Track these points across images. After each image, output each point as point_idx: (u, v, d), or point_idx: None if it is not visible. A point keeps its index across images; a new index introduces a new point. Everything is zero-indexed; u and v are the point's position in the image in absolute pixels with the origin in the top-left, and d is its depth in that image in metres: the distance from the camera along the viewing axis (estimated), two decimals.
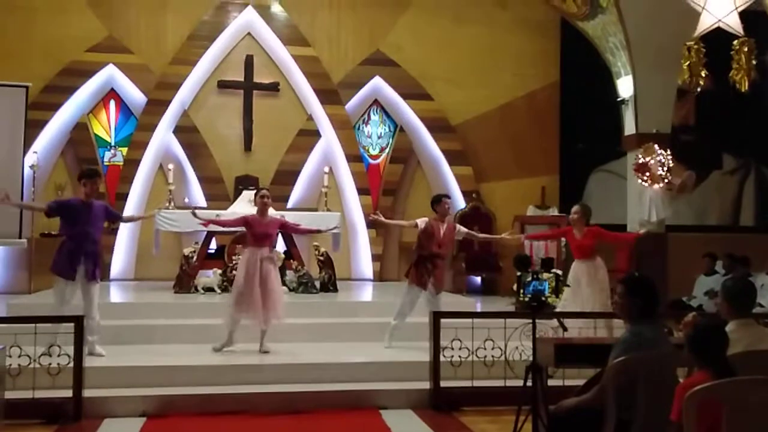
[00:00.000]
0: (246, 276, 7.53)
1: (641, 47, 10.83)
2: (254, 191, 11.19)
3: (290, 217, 10.35)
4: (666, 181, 10.75)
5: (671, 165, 10.80)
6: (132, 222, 9.50)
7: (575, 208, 8.39)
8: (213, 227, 9.41)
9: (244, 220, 7.89)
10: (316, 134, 12.84)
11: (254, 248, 7.66)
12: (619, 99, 11.40)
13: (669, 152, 10.81)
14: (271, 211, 8.54)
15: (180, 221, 9.94)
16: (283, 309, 7.69)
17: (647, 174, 10.71)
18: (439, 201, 8.05)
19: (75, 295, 7.16)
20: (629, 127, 11.33)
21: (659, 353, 4.05)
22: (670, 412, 3.47)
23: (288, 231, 8.70)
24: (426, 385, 6.86)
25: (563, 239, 10.14)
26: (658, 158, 10.70)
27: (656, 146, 10.77)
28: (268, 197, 7.89)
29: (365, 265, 12.73)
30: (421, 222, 8.05)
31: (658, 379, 3.92)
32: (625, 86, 11.25)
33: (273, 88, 12.74)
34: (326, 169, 11.77)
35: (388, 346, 7.81)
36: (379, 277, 12.63)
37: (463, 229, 8.28)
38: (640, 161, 10.77)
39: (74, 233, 7.19)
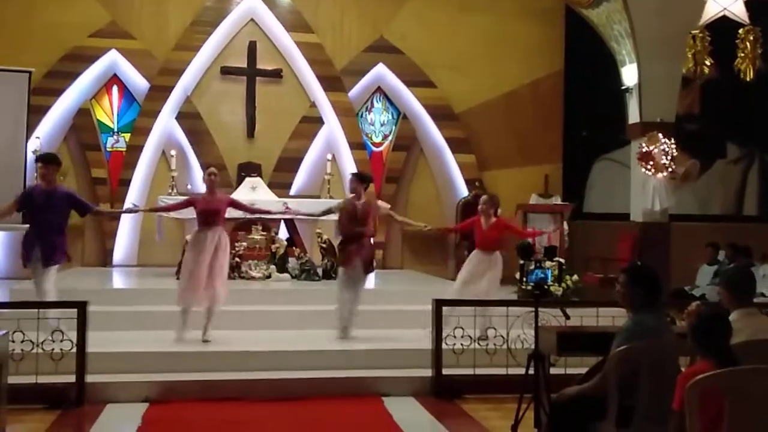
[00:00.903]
0: (196, 258, 7.35)
1: (646, 35, 10.79)
2: (256, 177, 11.28)
3: (292, 204, 10.39)
4: (670, 170, 10.72)
5: (675, 154, 10.77)
6: (104, 214, 8.88)
7: (484, 198, 8.24)
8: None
9: (189, 201, 7.81)
10: (319, 121, 12.82)
11: (202, 228, 7.48)
12: (623, 87, 11.36)
13: (673, 141, 10.78)
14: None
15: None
16: (223, 294, 7.45)
17: (651, 163, 10.69)
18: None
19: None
20: (633, 116, 11.30)
21: (661, 342, 4.05)
22: (672, 401, 3.46)
23: (238, 209, 8.44)
24: (428, 372, 6.87)
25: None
26: (662, 147, 10.68)
27: (660, 135, 10.74)
28: (215, 174, 7.70)
29: None
30: (335, 205, 8.04)
31: (661, 368, 3.92)
32: (629, 74, 11.21)
33: (276, 74, 12.71)
34: (329, 156, 11.75)
35: (343, 337, 7.66)
36: (382, 264, 12.62)
37: (385, 207, 8.10)
38: (644, 150, 10.75)
39: (33, 220, 7.16)
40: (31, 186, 7.40)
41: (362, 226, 7.77)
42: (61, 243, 7.24)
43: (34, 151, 11.12)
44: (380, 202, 8.09)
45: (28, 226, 7.33)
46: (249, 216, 9.30)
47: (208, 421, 5.95)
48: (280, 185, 11.98)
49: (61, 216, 7.25)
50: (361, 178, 7.99)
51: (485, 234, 7.98)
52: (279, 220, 10.74)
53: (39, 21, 11.82)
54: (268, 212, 8.85)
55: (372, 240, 7.94)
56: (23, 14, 11.79)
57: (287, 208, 8.95)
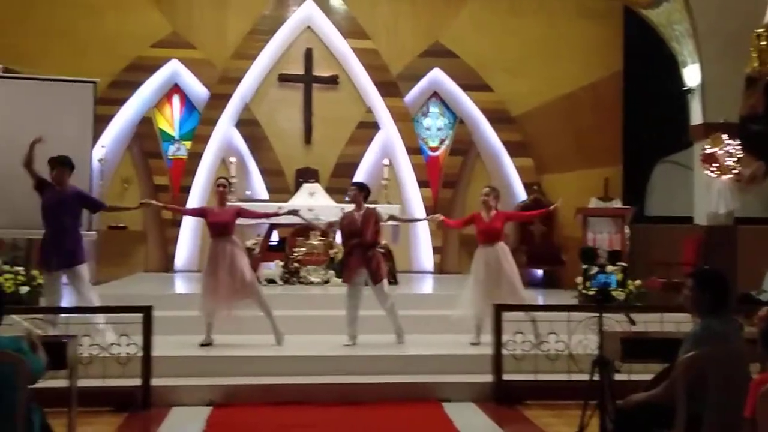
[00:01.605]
0: (211, 268, 7.50)
1: (708, 35, 10.55)
2: (314, 183, 11.36)
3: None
4: (735, 171, 10.47)
5: (740, 155, 10.51)
6: (117, 211, 9.11)
7: (486, 190, 8.06)
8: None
9: (202, 211, 7.92)
10: (375, 127, 12.87)
11: (215, 239, 7.62)
12: (685, 88, 11.13)
13: (738, 142, 10.52)
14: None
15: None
16: (256, 292, 7.59)
17: (715, 165, 10.45)
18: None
19: (59, 284, 7.24)
20: (696, 117, 11.06)
21: (730, 348, 3.96)
22: (743, 409, 3.38)
23: (246, 217, 8.41)
24: (489, 378, 6.83)
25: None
26: (726, 148, 10.43)
27: (724, 136, 10.49)
28: (224, 186, 7.81)
29: (425, 257, 12.72)
30: (336, 221, 7.99)
31: (730, 374, 3.83)
32: (691, 75, 10.98)
33: (332, 81, 12.81)
34: (386, 162, 11.78)
35: (349, 343, 7.63)
36: (440, 269, 12.61)
37: (384, 214, 7.99)
38: (708, 152, 10.51)
39: (47, 223, 7.26)
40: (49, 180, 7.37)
41: (359, 236, 7.70)
42: (78, 243, 7.33)
43: (100, 160, 11.43)
44: (379, 212, 7.97)
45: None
46: (258, 221, 9.40)
47: (270, 425, 6.03)
48: (337, 191, 12.00)
49: (74, 216, 7.36)
50: (360, 188, 7.97)
51: (487, 226, 7.80)
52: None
53: (103, 32, 12.12)
54: (276, 214, 8.84)
55: (379, 249, 7.82)
56: (88, 26, 12.11)
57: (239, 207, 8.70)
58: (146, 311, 6.58)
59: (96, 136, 11.28)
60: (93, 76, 10.78)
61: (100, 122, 11.60)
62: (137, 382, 6.42)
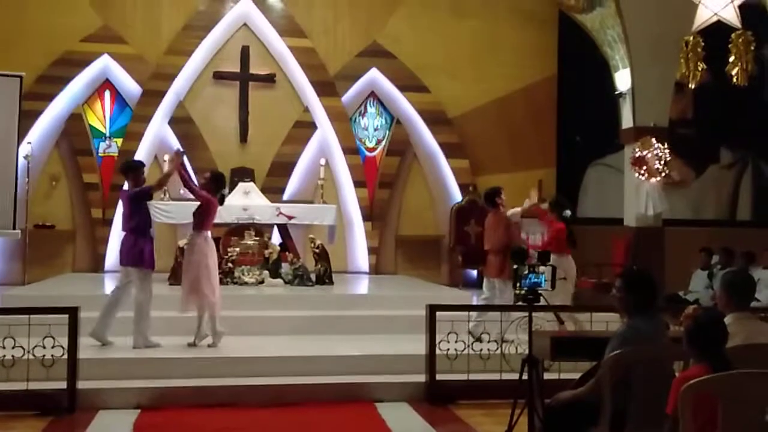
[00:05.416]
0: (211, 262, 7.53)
1: (639, 40, 10.82)
2: (249, 182, 11.26)
3: (286, 210, 10.43)
4: (663, 174, 10.74)
5: (669, 159, 10.79)
6: (163, 186, 8.73)
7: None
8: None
9: (208, 198, 7.63)
10: (312, 126, 12.78)
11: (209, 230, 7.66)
12: (617, 92, 11.37)
13: (666, 146, 10.79)
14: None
15: (175, 213, 9.91)
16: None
17: (644, 168, 10.71)
18: (501, 193, 8.40)
19: None
20: (627, 121, 11.32)
21: (656, 347, 4.03)
22: (667, 406, 3.45)
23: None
24: (422, 378, 6.84)
25: None
26: (655, 152, 10.70)
27: (653, 140, 10.76)
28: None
29: (361, 258, 12.70)
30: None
31: (655, 372, 3.90)
32: (623, 79, 11.23)
33: (269, 79, 12.68)
34: (322, 162, 11.73)
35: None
36: (375, 270, 12.60)
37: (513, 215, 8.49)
38: (638, 155, 10.77)
39: (147, 226, 7.40)
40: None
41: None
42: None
43: (26, 157, 11.09)
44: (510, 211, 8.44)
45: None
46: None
47: (200, 428, 5.93)
48: (273, 190, 11.94)
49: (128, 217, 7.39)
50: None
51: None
52: (272, 225, 10.79)
53: (30, 25, 11.76)
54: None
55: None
56: (14, 18, 11.73)
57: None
58: (72, 312, 6.39)
59: (22, 133, 10.99)
60: (19, 71, 10.50)
61: (27, 118, 11.30)
62: (62, 385, 6.23)
